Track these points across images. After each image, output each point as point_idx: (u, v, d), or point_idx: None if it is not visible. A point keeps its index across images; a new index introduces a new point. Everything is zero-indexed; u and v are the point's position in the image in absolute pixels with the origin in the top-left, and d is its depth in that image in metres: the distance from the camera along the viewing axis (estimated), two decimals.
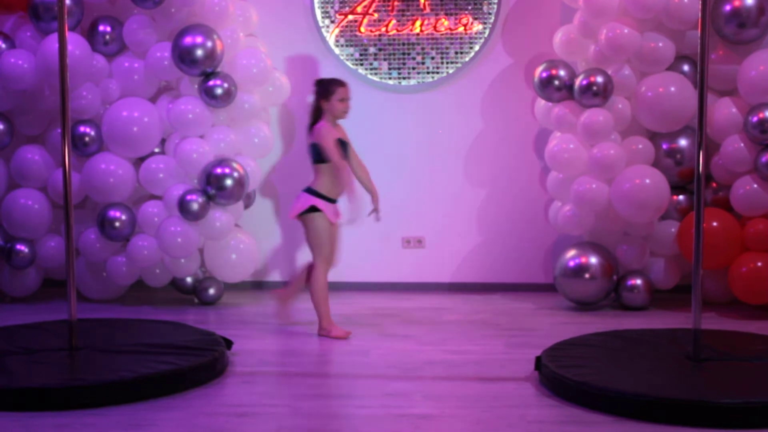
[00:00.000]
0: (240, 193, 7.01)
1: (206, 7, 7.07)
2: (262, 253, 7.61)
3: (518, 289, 7.68)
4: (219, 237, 7.10)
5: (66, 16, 5.53)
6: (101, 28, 7.24)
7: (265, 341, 6.29)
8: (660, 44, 6.88)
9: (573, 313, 7.02)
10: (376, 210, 6.48)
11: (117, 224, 7.06)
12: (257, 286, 7.84)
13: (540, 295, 7.52)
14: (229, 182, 6.90)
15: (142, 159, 7.25)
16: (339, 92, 6.32)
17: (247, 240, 7.32)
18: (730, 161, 6.74)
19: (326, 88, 6.35)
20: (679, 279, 7.17)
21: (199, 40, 6.88)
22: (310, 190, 6.34)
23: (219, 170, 6.89)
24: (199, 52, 6.86)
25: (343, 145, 6.33)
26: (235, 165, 6.96)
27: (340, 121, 6.44)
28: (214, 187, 6.88)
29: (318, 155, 6.32)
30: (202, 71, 6.97)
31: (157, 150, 7.28)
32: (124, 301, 7.49)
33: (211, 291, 7.38)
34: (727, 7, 6.69)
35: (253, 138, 7.30)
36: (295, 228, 7.78)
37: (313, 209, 6.30)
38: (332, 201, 6.38)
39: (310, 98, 6.47)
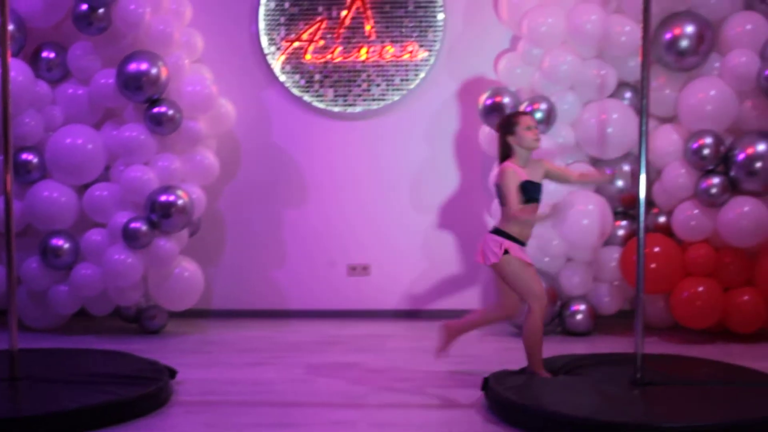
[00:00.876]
0: (185, 221, 6.97)
1: (151, 33, 7.04)
2: (207, 281, 7.56)
3: (463, 316, 7.68)
4: (163, 265, 7.05)
5: (8, 42, 5.48)
6: (45, 54, 7.19)
7: (210, 370, 6.25)
8: (603, 72, 6.97)
9: (518, 338, 7.02)
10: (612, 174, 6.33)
11: (60, 252, 6.99)
12: (202, 314, 7.79)
13: None
14: (173, 210, 6.86)
15: (85, 186, 7.19)
16: (523, 121, 5.64)
17: (192, 268, 7.27)
18: (672, 187, 6.82)
19: (508, 122, 5.67)
20: (622, 304, 7.22)
21: (143, 66, 6.85)
22: (498, 231, 5.69)
23: (164, 197, 6.85)
24: (144, 79, 6.84)
25: (533, 186, 5.61)
26: (180, 192, 6.93)
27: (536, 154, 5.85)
28: (159, 214, 6.83)
29: (502, 197, 5.64)
30: (147, 98, 6.94)
31: (101, 177, 7.21)
32: (67, 331, 7.40)
33: (156, 319, 7.32)
34: (668, 36, 6.79)
35: (198, 165, 7.27)
36: (240, 255, 7.76)
37: (505, 251, 5.61)
38: (521, 243, 5.66)
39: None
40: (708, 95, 6.71)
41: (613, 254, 7.05)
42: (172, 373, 5.73)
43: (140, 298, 7.26)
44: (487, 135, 7.26)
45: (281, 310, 7.82)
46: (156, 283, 7.16)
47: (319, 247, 7.79)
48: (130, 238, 6.81)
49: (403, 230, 7.76)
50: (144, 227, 6.83)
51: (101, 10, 6.92)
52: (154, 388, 5.35)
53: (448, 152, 7.70)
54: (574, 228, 6.81)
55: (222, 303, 7.87)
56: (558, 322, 7.19)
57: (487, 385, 5.34)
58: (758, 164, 6.61)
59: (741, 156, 6.66)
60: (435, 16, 7.57)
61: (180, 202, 6.88)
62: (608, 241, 7.06)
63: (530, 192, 5.58)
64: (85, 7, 6.92)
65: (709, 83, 6.74)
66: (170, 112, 6.95)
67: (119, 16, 6.92)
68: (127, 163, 7.03)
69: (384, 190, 7.75)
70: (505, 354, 6.48)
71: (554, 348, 6.59)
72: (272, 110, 7.75)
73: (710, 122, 6.73)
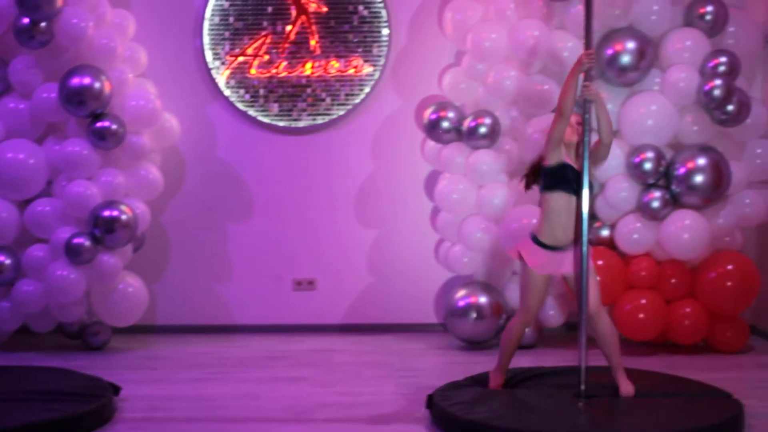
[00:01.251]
0: (129, 236, 6.91)
1: (94, 47, 6.99)
2: (151, 296, 7.49)
3: (409, 330, 7.71)
4: (107, 280, 6.98)
5: None
6: None
7: (154, 386, 6.19)
8: (546, 87, 7.03)
9: (463, 352, 7.08)
10: None
11: (1, 268, 6.90)
12: (146, 330, 7.72)
13: (431, 335, 7.56)
14: (117, 225, 6.80)
15: (27, 201, 7.10)
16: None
17: (136, 283, 7.21)
18: (614, 201, 6.90)
19: None
20: (566, 317, 7.28)
21: (86, 80, 6.80)
22: (532, 237, 5.53)
23: (107, 213, 6.79)
24: (87, 93, 6.78)
25: (573, 171, 5.42)
26: (123, 207, 6.87)
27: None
28: (102, 229, 6.77)
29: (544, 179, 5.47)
30: (89, 112, 6.88)
31: (43, 192, 7.14)
32: (8, 347, 7.29)
33: (99, 336, 7.24)
34: (609, 52, 6.87)
35: (143, 180, 7.22)
36: (185, 270, 7.72)
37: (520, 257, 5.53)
38: (552, 248, 5.45)
39: None
40: (649, 110, 6.81)
41: None
42: (116, 389, 5.68)
43: (83, 314, 7.18)
44: (432, 149, 7.30)
45: (227, 325, 7.78)
46: (99, 299, 7.09)
47: (265, 262, 7.77)
48: (72, 253, 6.74)
49: (349, 244, 7.77)
50: (87, 243, 6.77)
51: (43, 24, 6.86)
52: (97, 405, 5.30)
53: (394, 167, 7.72)
54: (518, 242, 6.84)
55: (167, 318, 7.81)
56: None
57: (431, 402, 5.35)
58: (698, 178, 6.72)
59: (682, 170, 6.76)
60: (380, 32, 7.60)
61: (123, 217, 6.83)
62: None
63: (566, 174, 5.41)
64: (26, 20, 6.85)
65: (650, 98, 6.84)
66: (113, 126, 6.90)
67: (61, 30, 6.86)
68: (70, 178, 6.96)
69: (330, 205, 7.75)
70: (450, 367, 6.50)
71: None
72: (217, 125, 7.72)
73: (651, 137, 6.82)
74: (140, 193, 7.23)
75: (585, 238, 5.34)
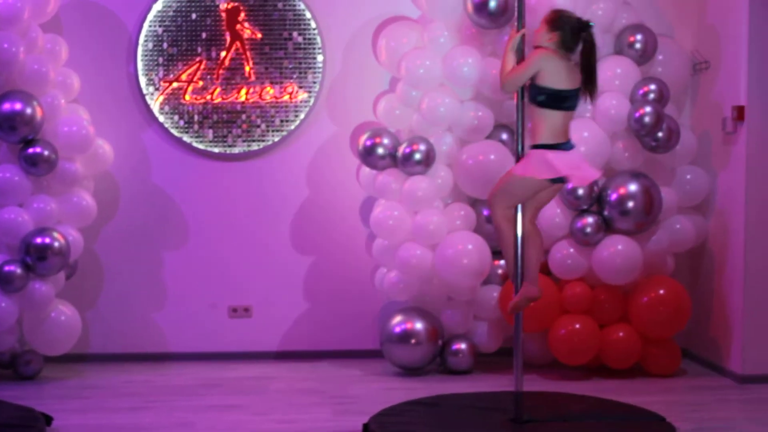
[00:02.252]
0: (61, 263, 6.83)
1: (25, 73, 6.91)
2: (84, 324, 7.40)
3: (345, 356, 7.70)
4: (39, 308, 6.89)
5: None
6: None
7: (88, 416, 6.12)
8: (480, 113, 7.10)
9: (400, 378, 7.09)
10: None
11: None
12: (80, 358, 7.61)
13: (367, 362, 7.55)
14: (49, 252, 6.72)
15: None
16: None
17: (69, 311, 7.12)
18: (548, 226, 6.97)
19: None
20: (501, 342, 7.33)
21: (18, 106, 6.72)
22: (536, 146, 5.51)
23: (39, 240, 6.71)
24: (18, 119, 6.71)
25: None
26: (56, 234, 6.80)
27: None
28: (34, 257, 6.69)
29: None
30: (21, 138, 6.80)
31: None
32: None
33: (31, 365, 7.14)
34: None
35: (75, 206, 7.14)
36: (119, 297, 7.64)
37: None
38: (561, 147, 5.47)
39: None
40: (582, 137, 6.88)
41: (493, 293, 7.16)
42: (48, 419, 5.61)
43: (15, 342, 7.07)
44: (367, 175, 7.31)
45: (162, 353, 7.71)
46: (31, 328, 6.99)
47: (200, 289, 7.72)
48: (3, 281, 6.65)
49: (284, 271, 7.75)
50: (18, 270, 6.68)
51: None
52: None
53: (329, 193, 7.72)
54: (453, 268, 6.89)
55: (100, 347, 7.71)
56: (440, 361, 7.25)
57: (368, 429, 5.35)
58: (630, 204, 6.82)
59: (614, 196, 6.86)
60: (315, 58, 7.61)
61: (56, 244, 6.75)
62: (487, 279, 7.16)
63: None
64: None
65: (582, 125, 6.92)
66: (46, 152, 6.83)
67: None
68: (1, 205, 6.87)
69: (265, 231, 7.73)
70: (386, 394, 6.50)
71: (436, 387, 6.65)
72: (151, 151, 7.67)
73: None
74: (73, 220, 7.15)
75: (519, 263, 5.38)
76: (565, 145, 5.43)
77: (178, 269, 7.71)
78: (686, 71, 7.37)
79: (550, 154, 5.36)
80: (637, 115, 6.83)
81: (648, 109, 6.82)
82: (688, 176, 7.24)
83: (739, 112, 6.82)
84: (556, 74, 5.35)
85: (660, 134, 6.90)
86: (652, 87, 6.96)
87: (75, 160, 7.10)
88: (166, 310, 7.72)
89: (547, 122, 5.40)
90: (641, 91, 6.96)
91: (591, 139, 6.89)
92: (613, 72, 7.00)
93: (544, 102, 5.38)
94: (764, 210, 6.83)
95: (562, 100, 5.38)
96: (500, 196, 5.54)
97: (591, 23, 5.43)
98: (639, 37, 7.06)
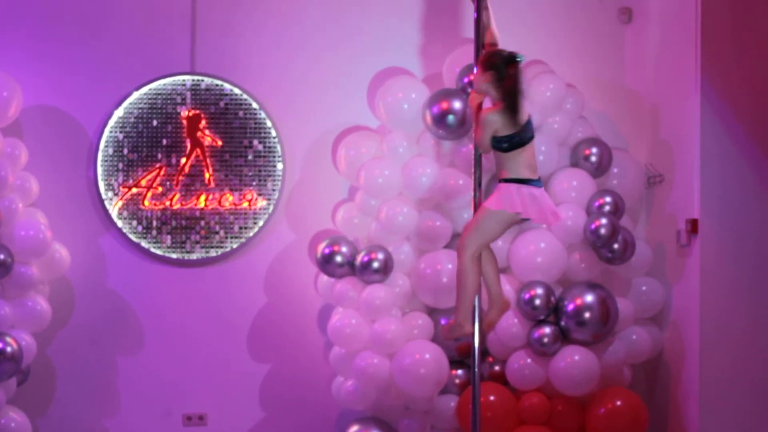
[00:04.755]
0: (13, 369, 6.74)
1: None
2: (35, 431, 7.26)
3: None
4: None
5: None
6: None
7: None
8: (437, 223, 7.15)
9: None
10: None
11: None
12: None
13: None
14: (1, 358, 6.63)
15: None
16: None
17: (20, 418, 7.00)
18: (505, 336, 6.98)
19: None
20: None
21: None
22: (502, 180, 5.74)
23: None
24: None
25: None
26: (8, 339, 6.72)
27: None
28: None
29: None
30: None
31: None
32: None
33: None
34: None
35: (30, 311, 7.07)
36: (72, 404, 7.52)
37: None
38: (529, 182, 5.68)
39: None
40: (538, 248, 6.96)
41: (450, 402, 7.11)
42: None
43: None
44: (325, 283, 7.31)
45: None
46: None
47: (155, 396, 7.62)
48: None
49: (240, 379, 7.67)
50: None
51: None
52: None
53: (287, 300, 7.70)
54: (410, 377, 6.86)
55: None
56: None
57: None
58: (587, 314, 6.86)
59: (571, 306, 6.89)
60: (274, 166, 7.66)
61: (8, 349, 6.67)
62: (445, 389, 7.12)
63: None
64: None
65: (539, 236, 7.00)
66: (1, 256, 6.78)
67: None
68: None
69: (222, 338, 7.68)
70: None
71: None
72: (108, 255, 7.63)
73: (541, 274, 6.96)
74: (27, 325, 7.07)
75: (476, 373, 5.38)
76: (536, 182, 5.69)
77: (132, 375, 7.62)
78: (641, 184, 7.50)
79: (524, 189, 5.61)
80: (593, 226, 6.91)
81: (603, 221, 6.91)
82: (644, 287, 7.30)
83: (693, 225, 6.92)
84: (508, 121, 5.58)
85: (616, 246, 6.97)
86: (608, 199, 7.06)
87: (31, 264, 7.06)
88: (119, 417, 7.60)
89: (516, 159, 5.63)
90: (597, 203, 7.05)
91: (547, 250, 6.96)
92: (569, 184, 7.10)
93: (508, 148, 5.61)
94: (719, 321, 6.89)
95: (521, 137, 5.62)
96: (474, 235, 5.69)
97: (519, 57, 5.63)
98: (594, 150, 7.19)
